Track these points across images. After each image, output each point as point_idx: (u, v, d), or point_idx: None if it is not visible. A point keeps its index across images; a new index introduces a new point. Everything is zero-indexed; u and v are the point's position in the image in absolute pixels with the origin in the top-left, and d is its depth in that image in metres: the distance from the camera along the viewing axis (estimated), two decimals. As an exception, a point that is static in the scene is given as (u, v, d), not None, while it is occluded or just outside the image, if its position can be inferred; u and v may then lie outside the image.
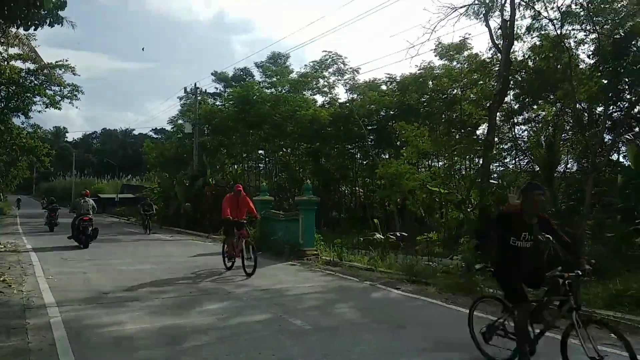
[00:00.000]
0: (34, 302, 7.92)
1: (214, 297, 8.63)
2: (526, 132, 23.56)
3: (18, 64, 30.48)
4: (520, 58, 19.39)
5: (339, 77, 31.47)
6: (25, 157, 37.69)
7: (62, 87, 36.21)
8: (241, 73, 38.83)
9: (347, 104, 31.65)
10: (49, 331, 6.19)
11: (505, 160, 24.36)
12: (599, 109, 18.74)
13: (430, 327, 6.84)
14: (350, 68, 30.51)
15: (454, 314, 7.64)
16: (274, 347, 5.67)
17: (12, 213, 41.14)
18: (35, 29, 9.28)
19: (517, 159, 23.64)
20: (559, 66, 17.56)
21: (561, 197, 16.08)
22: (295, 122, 30.81)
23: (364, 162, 34.43)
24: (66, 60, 34.54)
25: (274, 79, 33.75)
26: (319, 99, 35.16)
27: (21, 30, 16.12)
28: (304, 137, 32.55)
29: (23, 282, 9.67)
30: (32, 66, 32.67)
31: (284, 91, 32.96)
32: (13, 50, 27.72)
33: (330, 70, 31.59)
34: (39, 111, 36.60)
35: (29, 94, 34.71)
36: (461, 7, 15.35)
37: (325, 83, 33.53)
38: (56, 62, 34.23)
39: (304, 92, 33.80)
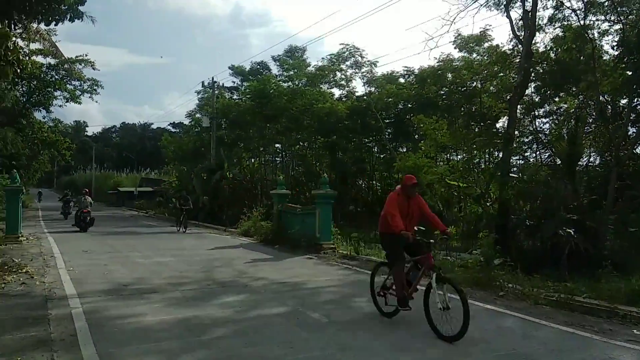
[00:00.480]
0: (55, 293, 8.06)
1: (231, 289, 8.68)
2: (547, 125, 23.12)
3: (39, 59, 31.01)
4: (541, 49, 19.00)
5: (357, 70, 31.29)
6: (46, 150, 38.39)
7: (82, 82, 36.73)
8: (258, 67, 38.87)
9: (365, 97, 31.47)
10: (71, 322, 6.29)
11: (526, 154, 23.94)
12: (623, 101, 18.29)
13: (448, 322, 6.75)
14: (368, 61, 30.34)
15: (473, 308, 7.48)
16: (292, 340, 5.68)
17: (34, 206, 41.97)
18: (56, 24, 9.42)
19: (538, 152, 23.22)
20: (581, 57, 17.17)
21: (583, 191, 15.76)
22: (312, 115, 30.77)
23: (382, 156, 34.25)
24: (86, 55, 35.04)
25: (291, 73, 33.70)
26: (336, 92, 35.06)
27: (42, 26, 16.34)
28: (320, 131, 32.48)
29: (45, 273, 9.86)
30: (52, 61, 33.18)
31: (301, 85, 32.92)
32: (34, 46, 28.21)
33: (348, 63, 31.43)
34: (60, 105, 37.18)
35: (50, 89, 35.32)
36: (481, -2, 15.10)
37: (343, 76, 33.37)
38: (76, 56, 34.74)
39: (321, 86, 33.70)
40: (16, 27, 12.34)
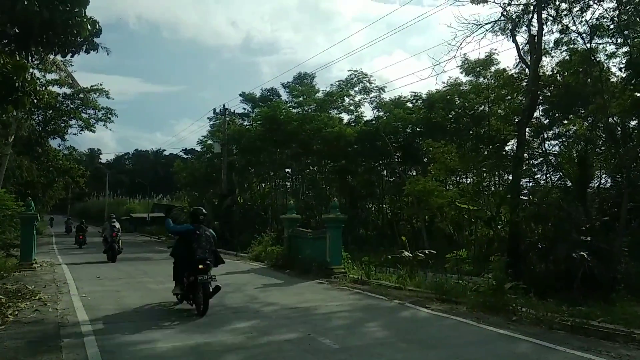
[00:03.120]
0: (68, 320, 8.12)
1: (243, 315, 8.68)
2: (557, 147, 23.12)
3: (55, 88, 31.79)
4: (548, 73, 19.15)
5: (365, 95, 31.63)
6: (61, 178, 38.94)
7: (96, 110, 37.47)
8: (268, 93, 39.45)
9: (373, 122, 31.73)
10: (83, 349, 6.32)
11: (536, 176, 23.87)
12: (633, 122, 18.28)
13: (461, 348, 6.69)
14: (376, 86, 30.67)
15: (485, 333, 7.48)
16: (303, 367, 5.66)
17: (47, 233, 42.37)
18: (72, 56, 9.69)
19: (548, 175, 23.15)
20: (589, 80, 17.26)
21: (595, 213, 15.63)
22: (321, 139, 31.06)
23: (391, 180, 34.31)
24: (100, 85, 35.87)
25: (300, 99, 34.17)
26: (345, 117, 35.43)
27: (59, 57, 16.86)
28: (330, 155, 32.72)
29: (58, 300, 9.93)
30: (68, 90, 33.98)
31: (310, 110, 33.31)
32: (50, 76, 28.98)
33: (356, 88, 31.82)
34: (75, 134, 37.85)
35: (65, 118, 36.06)
36: (487, 24, 15.37)
37: (351, 101, 33.78)
38: (91, 86, 35.57)
39: (330, 111, 34.07)
40: (33, 59, 12.74)
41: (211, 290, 8.57)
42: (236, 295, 10.84)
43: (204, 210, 9.74)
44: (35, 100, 10.08)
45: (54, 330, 7.43)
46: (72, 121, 37.21)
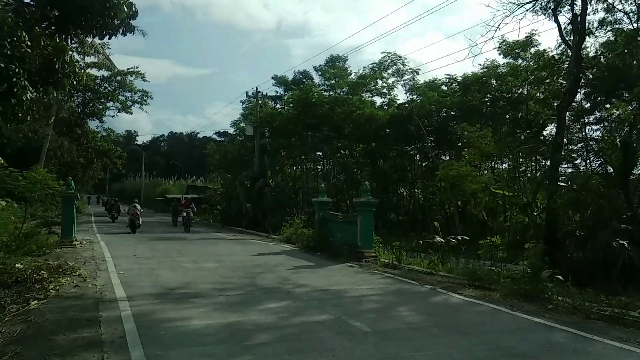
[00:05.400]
0: (106, 296, 8.39)
1: (274, 295, 8.78)
2: (598, 132, 22.29)
3: (93, 71, 32.57)
4: (592, 54, 18.38)
5: (398, 78, 31.04)
6: (99, 159, 40.10)
7: (133, 93, 38.29)
8: (300, 76, 39.32)
9: (406, 105, 31.26)
10: (120, 324, 6.53)
11: (576, 162, 23.11)
12: (681, 106, 17.38)
13: (495, 335, 6.59)
14: (410, 69, 30.06)
15: (520, 321, 7.34)
16: (334, 349, 5.69)
17: (86, 211, 43.82)
18: (109, 38, 9.83)
19: (588, 160, 22.37)
20: (634, 62, 16.48)
21: (637, 201, 15.02)
22: (353, 122, 30.85)
23: (423, 164, 33.86)
24: (137, 67, 36.54)
25: (333, 82, 33.92)
26: (377, 100, 35.02)
27: (97, 40, 17.16)
28: (361, 139, 32.51)
29: (97, 276, 10.26)
30: (106, 73, 34.76)
31: (342, 93, 33.08)
32: (89, 59, 29.65)
33: (389, 71, 31.27)
34: (112, 116, 38.86)
35: (103, 100, 37.02)
36: (528, 3, 14.72)
37: (384, 84, 33.29)
38: (128, 69, 36.29)
39: (362, 94, 33.74)
40: (72, 41, 13.01)
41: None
42: (268, 276, 10.97)
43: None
44: (75, 82, 10.30)
45: (93, 305, 7.69)
46: (110, 103, 38.18)
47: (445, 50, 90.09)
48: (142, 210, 24.84)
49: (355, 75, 34.55)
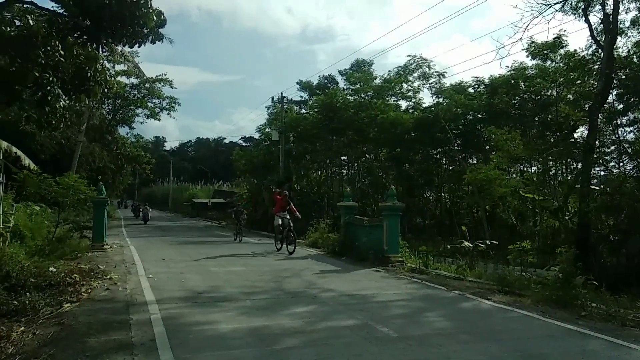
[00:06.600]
0: (136, 299, 8.52)
1: (301, 300, 8.78)
2: (632, 134, 21.66)
3: (123, 79, 33.41)
4: (624, 54, 17.89)
5: (424, 81, 30.80)
6: (129, 165, 40.98)
7: (161, 100, 39.06)
8: (325, 81, 39.45)
9: (432, 108, 30.99)
10: (150, 327, 6.61)
11: (609, 165, 22.50)
12: None
13: (526, 342, 6.43)
14: (436, 72, 29.81)
15: (552, 328, 7.16)
16: (362, 354, 5.65)
17: (117, 216, 44.79)
18: (139, 46, 10.03)
19: (621, 163, 21.75)
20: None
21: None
22: (378, 126, 30.73)
23: (450, 168, 33.48)
24: (165, 75, 37.29)
25: (357, 86, 33.91)
26: (403, 104, 34.85)
27: (126, 48, 17.59)
28: (386, 143, 32.35)
29: (127, 280, 10.45)
30: (135, 81, 35.57)
31: (367, 97, 33.01)
32: (119, 67, 30.39)
33: (415, 74, 31.07)
34: (141, 122, 39.81)
35: (132, 107, 37.88)
36: (557, 3, 14.47)
37: (409, 88, 33.07)
38: (156, 76, 37.05)
39: (388, 98, 33.60)
40: (103, 50, 13.36)
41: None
42: (295, 281, 10.98)
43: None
44: (106, 90, 10.57)
45: (124, 308, 7.82)
46: (139, 110, 39.01)
47: (472, 53, 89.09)
48: (150, 210, 33.63)
49: (380, 79, 34.48)
